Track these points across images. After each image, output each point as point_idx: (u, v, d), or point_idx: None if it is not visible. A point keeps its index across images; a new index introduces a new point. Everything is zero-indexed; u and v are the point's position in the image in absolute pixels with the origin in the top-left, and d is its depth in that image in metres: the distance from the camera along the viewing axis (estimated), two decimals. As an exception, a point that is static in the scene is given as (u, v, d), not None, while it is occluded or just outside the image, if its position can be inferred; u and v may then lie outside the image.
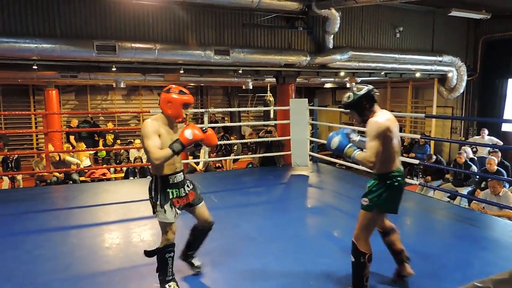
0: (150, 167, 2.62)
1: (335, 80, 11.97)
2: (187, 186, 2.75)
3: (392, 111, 12.63)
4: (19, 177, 8.40)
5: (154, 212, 2.66)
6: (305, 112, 6.64)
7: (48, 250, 3.43)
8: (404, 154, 9.89)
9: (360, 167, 6.55)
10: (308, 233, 4.07)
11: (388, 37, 9.19)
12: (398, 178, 2.53)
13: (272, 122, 8.12)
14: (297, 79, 9.16)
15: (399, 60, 9.15)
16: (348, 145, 2.51)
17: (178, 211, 2.65)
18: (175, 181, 2.65)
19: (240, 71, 8.02)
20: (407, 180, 6.32)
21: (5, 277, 2.92)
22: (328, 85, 13.81)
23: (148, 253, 2.70)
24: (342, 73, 9.21)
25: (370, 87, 2.57)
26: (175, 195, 2.63)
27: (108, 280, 2.91)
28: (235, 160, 10.50)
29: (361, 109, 2.54)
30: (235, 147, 10.43)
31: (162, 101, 2.58)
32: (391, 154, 2.51)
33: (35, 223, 4.17)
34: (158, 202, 2.59)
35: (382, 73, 9.62)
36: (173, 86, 2.64)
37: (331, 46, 8.11)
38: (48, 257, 3.30)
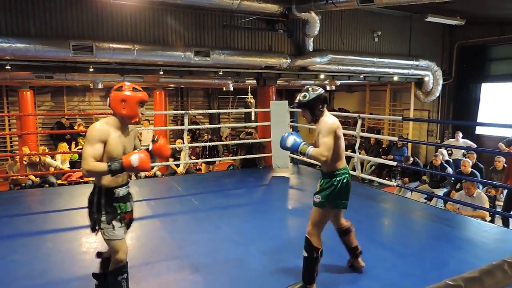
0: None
1: (315, 82, 12.07)
2: (132, 201, 2.49)
3: (371, 113, 12.92)
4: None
5: (94, 230, 2.37)
6: (285, 114, 6.68)
7: (23, 255, 3.33)
8: (382, 156, 10.08)
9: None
10: (289, 234, 4.10)
11: (367, 41, 9.36)
12: (346, 175, 2.76)
13: (253, 124, 8.13)
14: (278, 81, 9.21)
15: (377, 63, 9.33)
16: (303, 143, 2.69)
17: (126, 227, 2.41)
18: (121, 195, 2.37)
19: (221, 73, 8.00)
20: (385, 182, 6.47)
21: (-24, 284, 2.82)
22: (308, 88, 13.93)
23: (97, 276, 2.43)
24: (322, 76, 9.31)
25: (323, 90, 2.80)
26: (122, 210, 2.37)
27: (84, 285, 2.84)
28: (212, 163, 10.45)
29: (314, 108, 2.74)
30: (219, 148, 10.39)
31: (113, 101, 2.28)
32: (339, 153, 2.73)
33: (9, 228, 4.04)
34: (104, 218, 2.30)
35: (361, 76, 9.78)
36: (126, 83, 2.37)
37: (311, 49, 8.19)
38: (23, 262, 3.20)
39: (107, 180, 2.30)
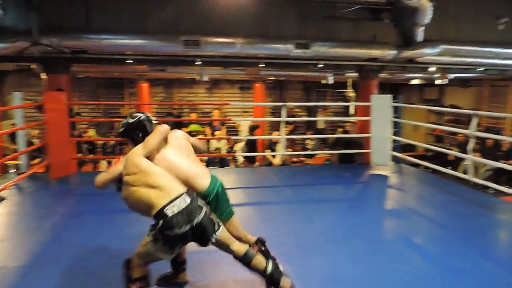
0: None
1: (423, 76, 11.19)
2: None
3: (489, 111, 11.50)
4: (115, 161, 9.27)
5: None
6: (388, 109, 6.30)
7: (136, 228, 3.70)
8: (501, 160, 8.87)
9: (449, 171, 6.05)
10: (384, 236, 3.88)
11: (489, 29, 8.28)
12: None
13: (352, 119, 7.87)
14: (381, 74, 8.73)
15: (501, 55, 8.20)
16: None
17: None
18: None
19: (321, 65, 7.89)
20: (505, 190, 5.66)
21: (98, 250, 3.25)
22: (414, 82, 12.95)
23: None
24: (431, 68, 8.56)
25: (145, 115, 2.52)
26: None
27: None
28: (311, 156, 10.41)
29: (133, 138, 2.49)
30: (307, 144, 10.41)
31: None
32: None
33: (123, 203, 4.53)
34: None
35: (480, 69, 8.73)
36: None
37: (420, 39, 7.56)
38: (135, 235, 3.56)
39: None
